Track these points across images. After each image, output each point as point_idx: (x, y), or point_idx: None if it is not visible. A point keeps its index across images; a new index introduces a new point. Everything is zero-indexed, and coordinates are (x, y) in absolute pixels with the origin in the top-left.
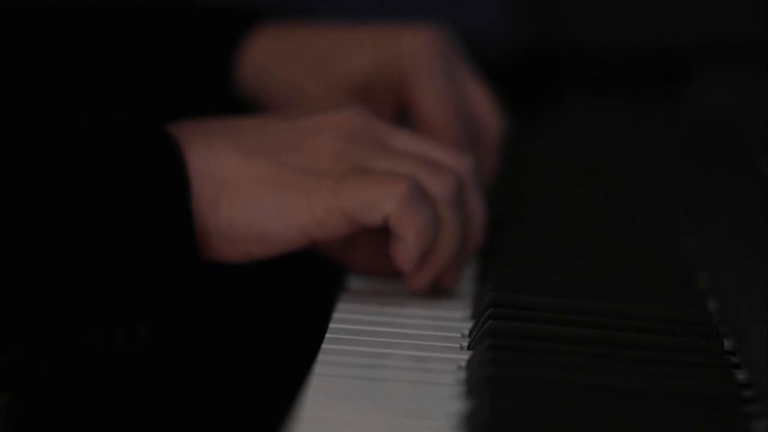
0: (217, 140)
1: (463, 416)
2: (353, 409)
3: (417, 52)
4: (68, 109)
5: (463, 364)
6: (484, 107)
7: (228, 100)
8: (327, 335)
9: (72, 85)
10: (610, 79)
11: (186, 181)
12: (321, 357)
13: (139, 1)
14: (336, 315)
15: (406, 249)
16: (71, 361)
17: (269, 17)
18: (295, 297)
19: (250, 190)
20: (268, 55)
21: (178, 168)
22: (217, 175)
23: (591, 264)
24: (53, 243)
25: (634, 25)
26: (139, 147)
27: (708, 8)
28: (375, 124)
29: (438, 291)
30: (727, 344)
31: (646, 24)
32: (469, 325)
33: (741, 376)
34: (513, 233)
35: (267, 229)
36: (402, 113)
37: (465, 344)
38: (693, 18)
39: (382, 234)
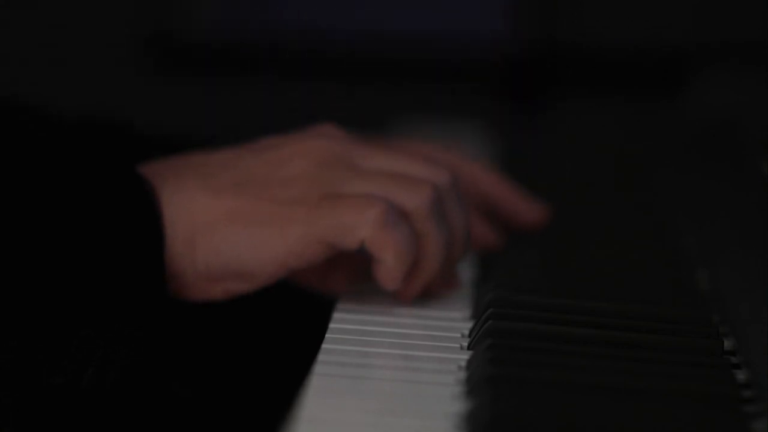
0: (189, 181)
1: (463, 416)
2: (353, 409)
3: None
4: None
5: (463, 364)
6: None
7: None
8: (327, 335)
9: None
10: (610, 79)
11: (160, 229)
12: (321, 357)
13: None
14: (336, 315)
15: (387, 271)
16: (39, 399)
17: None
18: (295, 297)
19: (223, 229)
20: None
21: (153, 215)
22: (191, 216)
23: (591, 264)
24: (22, 284)
25: (634, 25)
26: (113, 195)
27: (708, 8)
28: (345, 147)
29: (429, 294)
30: (727, 344)
31: (646, 24)
32: (469, 325)
33: (741, 376)
34: (513, 233)
35: (244, 267)
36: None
37: (465, 344)
38: (693, 18)
39: (360, 255)
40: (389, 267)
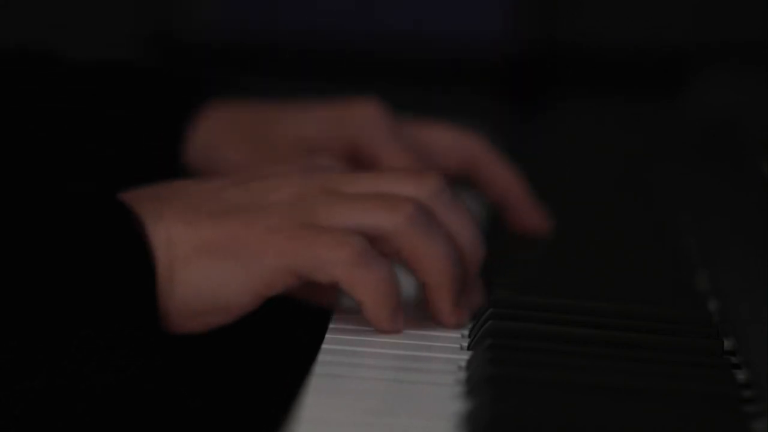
0: (168, 211)
1: (463, 416)
2: (353, 409)
3: (367, 119)
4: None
5: (463, 364)
6: (448, 139)
7: (176, 171)
8: (327, 335)
9: (16, 137)
10: (610, 79)
11: (150, 265)
12: (321, 357)
13: (99, 59)
14: (336, 315)
15: (369, 313)
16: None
17: (222, 94)
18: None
19: (197, 262)
20: (217, 130)
21: (142, 252)
22: (169, 250)
23: (591, 264)
24: (9, 321)
25: (634, 25)
26: (99, 229)
27: (708, 8)
28: (326, 174)
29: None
30: (727, 344)
31: (646, 24)
32: (469, 325)
33: (741, 376)
34: (513, 233)
35: (219, 300)
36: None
37: (465, 344)
38: (693, 18)
39: None
40: (369, 308)
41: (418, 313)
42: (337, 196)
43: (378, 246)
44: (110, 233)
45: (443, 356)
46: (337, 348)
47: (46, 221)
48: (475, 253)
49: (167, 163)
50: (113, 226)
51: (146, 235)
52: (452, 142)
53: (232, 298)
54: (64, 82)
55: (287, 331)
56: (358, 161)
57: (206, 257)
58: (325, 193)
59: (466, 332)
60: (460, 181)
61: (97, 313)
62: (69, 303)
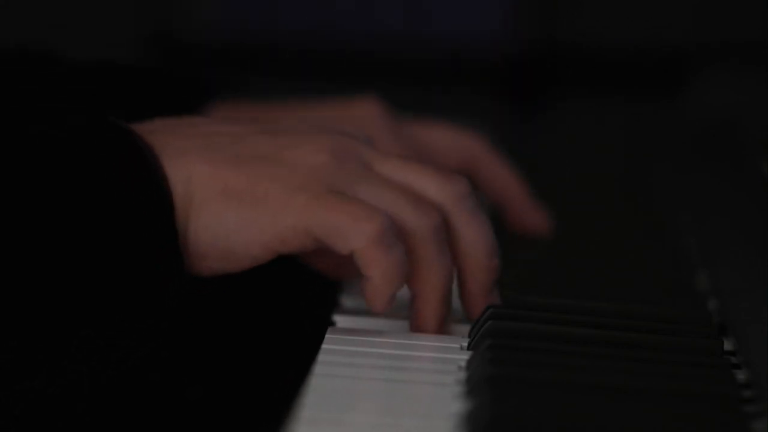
0: (190, 148)
1: (463, 416)
2: (353, 410)
3: (367, 117)
4: None
5: (463, 364)
6: (447, 139)
7: None
8: (327, 335)
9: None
10: (610, 79)
11: (167, 199)
12: (321, 357)
13: (100, 59)
14: (336, 315)
15: (372, 290)
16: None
17: (225, 95)
18: (295, 296)
19: (215, 206)
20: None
21: (158, 186)
22: (186, 187)
23: (591, 264)
24: (32, 267)
25: (634, 25)
26: (113, 163)
27: (708, 8)
28: (360, 146)
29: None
30: (727, 344)
31: (646, 24)
32: (469, 325)
33: (741, 376)
34: (513, 233)
35: (230, 246)
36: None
37: (465, 344)
38: (693, 18)
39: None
40: (375, 286)
41: None
42: (369, 171)
43: None
44: (124, 165)
45: (443, 356)
46: (337, 348)
47: (53, 148)
48: (489, 264)
49: None
50: (126, 157)
51: (164, 170)
52: (452, 141)
53: (244, 248)
54: (64, 82)
55: (287, 330)
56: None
57: (225, 202)
58: (356, 164)
59: (466, 333)
60: None
61: (114, 253)
62: (82, 241)
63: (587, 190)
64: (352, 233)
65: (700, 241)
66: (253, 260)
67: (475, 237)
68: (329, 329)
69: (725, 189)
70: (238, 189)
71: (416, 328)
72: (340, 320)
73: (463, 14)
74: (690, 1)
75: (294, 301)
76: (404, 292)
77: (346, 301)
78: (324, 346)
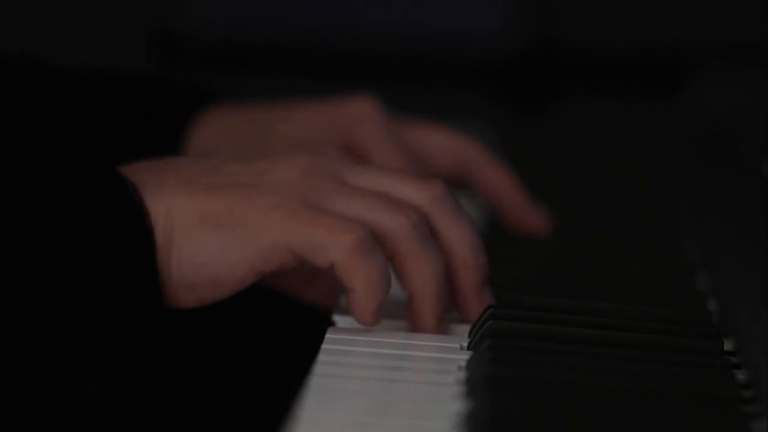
0: (168, 184)
1: (463, 416)
2: (353, 410)
3: (362, 116)
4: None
5: (463, 364)
6: (441, 141)
7: None
8: (326, 335)
9: (10, 146)
10: (610, 78)
11: (149, 235)
12: (321, 357)
13: (93, 65)
14: (336, 315)
15: (356, 302)
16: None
17: (219, 99)
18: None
19: (195, 234)
20: (216, 134)
21: (141, 222)
22: (167, 221)
23: (591, 264)
24: (14, 300)
25: (634, 25)
26: (99, 200)
27: (708, 8)
28: (334, 163)
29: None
30: (727, 344)
31: (646, 24)
32: (469, 325)
33: (741, 376)
34: (512, 233)
35: (215, 272)
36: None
37: (465, 344)
38: (693, 18)
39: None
40: (358, 298)
41: None
42: (343, 185)
43: None
44: (108, 202)
45: (443, 356)
46: (337, 348)
47: (42, 191)
48: (475, 262)
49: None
50: (111, 194)
51: (145, 206)
52: (446, 143)
53: (228, 271)
54: (59, 89)
55: (287, 331)
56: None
57: (205, 229)
58: (331, 180)
59: (465, 333)
60: (457, 182)
61: (96, 285)
62: (66, 274)
63: (587, 189)
64: (330, 245)
65: (700, 242)
66: (239, 282)
67: (458, 236)
68: (329, 329)
69: (725, 189)
70: (215, 214)
71: (414, 327)
72: (340, 320)
73: (463, 14)
74: (690, 1)
75: (294, 301)
76: (403, 291)
77: (346, 301)
78: (324, 346)
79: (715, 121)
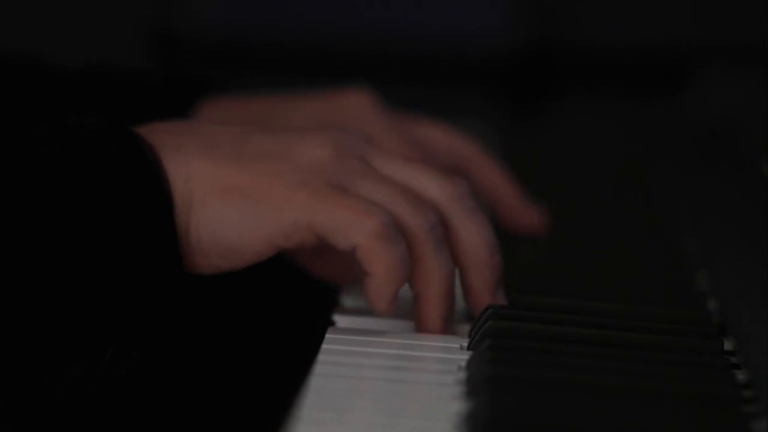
0: (190, 147)
1: (463, 416)
2: (353, 410)
3: (360, 107)
4: None
5: (463, 364)
6: (439, 138)
7: None
8: (326, 335)
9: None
10: (610, 78)
11: (168, 197)
12: (321, 357)
13: (91, 62)
14: (336, 315)
15: (374, 286)
16: (54, 397)
17: (219, 92)
18: (295, 296)
19: (216, 202)
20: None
21: (159, 184)
22: (187, 185)
23: (591, 264)
24: (33, 266)
25: (634, 25)
26: (116, 162)
27: (708, 8)
28: (361, 144)
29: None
30: (727, 344)
31: (646, 24)
32: (469, 325)
33: (741, 376)
34: (512, 233)
35: (232, 243)
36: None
37: (465, 344)
38: (693, 18)
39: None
40: (378, 282)
41: None
42: (370, 168)
43: None
44: (124, 163)
45: (443, 356)
46: (337, 348)
47: (58, 151)
48: (490, 260)
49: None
50: (127, 155)
51: (163, 167)
52: (443, 140)
53: (246, 244)
54: (59, 88)
55: (287, 330)
56: None
57: (226, 199)
58: (357, 161)
59: (466, 332)
60: None
61: (114, 249)
62: (80, 241)
63: (587, 189)
64: (354, 228)
65: (700, 241)
66: (255, 256)
67: (475, 235)
68: (329, 329)
69: (725, 189)
70: (240, 185)
71: (420, 328)
72: (340, 320)
73: (463, 14)
74: (690, 1)
75: (294, 301)
76: (404, 291)
77: (346, 301)
78: (324, 346)
79: (715, 121)
